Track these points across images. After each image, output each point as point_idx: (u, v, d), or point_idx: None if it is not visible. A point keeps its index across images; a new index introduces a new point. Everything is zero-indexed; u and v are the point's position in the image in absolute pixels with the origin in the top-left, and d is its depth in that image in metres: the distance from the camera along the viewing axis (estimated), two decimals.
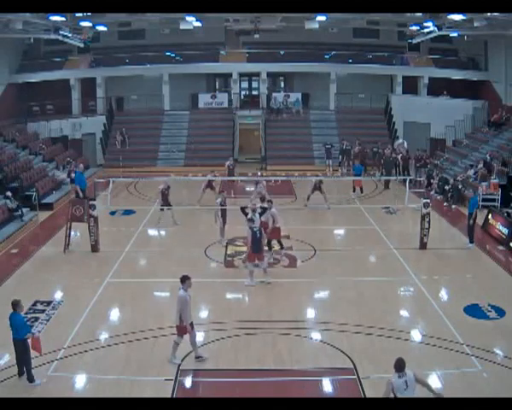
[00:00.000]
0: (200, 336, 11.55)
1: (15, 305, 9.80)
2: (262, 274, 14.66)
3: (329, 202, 21.54)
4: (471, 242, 17.31)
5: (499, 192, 21.21)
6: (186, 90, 34.79)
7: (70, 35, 27.50)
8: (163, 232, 19.74)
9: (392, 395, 8.08)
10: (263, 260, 14.41)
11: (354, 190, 23.94)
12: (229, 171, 24.56)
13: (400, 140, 29.76)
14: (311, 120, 33.97)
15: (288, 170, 28.20)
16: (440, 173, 25.38)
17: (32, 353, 9.83)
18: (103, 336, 11.63)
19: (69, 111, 33.54)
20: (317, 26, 27.75)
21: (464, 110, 30.90)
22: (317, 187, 21.35)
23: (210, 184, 21.37)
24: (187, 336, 10.47)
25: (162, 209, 19.42)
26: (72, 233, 17.44)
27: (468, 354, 10.74)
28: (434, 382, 9.78)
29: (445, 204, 22.61)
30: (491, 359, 10.51)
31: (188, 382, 9.91)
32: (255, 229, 14.01)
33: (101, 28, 29.38)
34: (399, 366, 8.30)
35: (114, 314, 12.88)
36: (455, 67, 33.77)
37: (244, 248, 17.11)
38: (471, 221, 17.25)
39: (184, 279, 10.51)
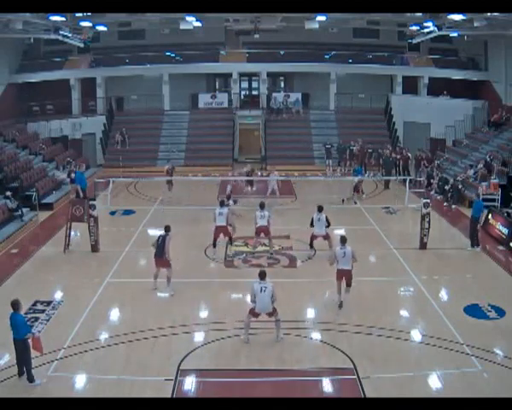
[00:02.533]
0: (200, 336, 11.60)
1: (15, 305, 9.81)
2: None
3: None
4: (477, 245, 16.98)
5: (499, 192, 21.20)
6: (186, 90, 34.79)
7: (70, 35, 27.51)
8: (163, 232, 19.73)
9: (335, 261, 12.74)
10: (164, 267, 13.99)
11: (355, 191, 23.91)
12: (167, 174, 23.79)
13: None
14: (311, 120, 33.97)
15: (288, 170, 28.19)
16: (440, 173, 25.38)
17: (33, 353, 9.83)
18: (103, 336, 11.63)
19: (69, 111, 33.55)
20: (317, 26, 27.74)
21: (464, 110, 30.90)
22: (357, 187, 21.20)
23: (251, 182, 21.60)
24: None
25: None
26: (72, 233, 17.43)
27: (468, 354, 10.74)
28: (434, 382, 9.82)
29: (445, 204, 22.61)
30: (491, 359, 10.51)
31: (188, 382, 9.90)
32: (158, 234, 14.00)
33: (101, 28, 29.37)
34: (343, 240, 12.84)
35: (114, 314, 12.87)
36: (455, 67, 33.79)
37: (243, 248, 17.20)
38: (478, 226, 16.94)
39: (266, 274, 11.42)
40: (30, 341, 9.77)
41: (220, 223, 16.06)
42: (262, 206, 16.60)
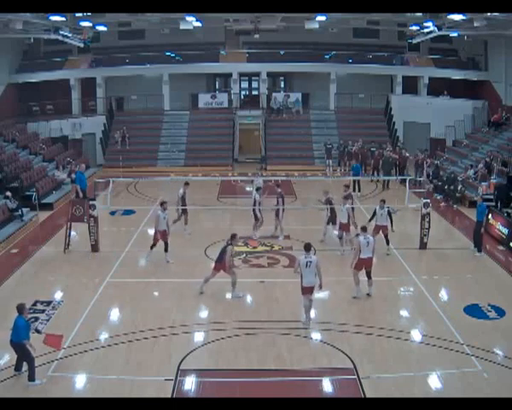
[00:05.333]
0: (200, 336, 11.60)
1: (20, 309, 9.81)
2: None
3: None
4: (479, 250, 16.67)
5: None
6: (186, 90, 34.83)
7: (70, 35, 27.51)
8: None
9: (359, 251, 13.20)
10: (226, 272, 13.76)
11: (354, 190, 23.90)
12: (182, 201, 18.68)
13: None
14: (311, 120, 33.99)
15: (288, 170, 28.19)
16: (438, 173, 25.34)
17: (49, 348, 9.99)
18: (103, 336, 11.62)
19: (69, 111, 33.57)
20: (317, 26, 27.76)
21: (464, 110, 30.93)
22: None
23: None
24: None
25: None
26: (73, 233, 17.44)
27: (468, 354, 10.74)
28: (434, 382, 9.82)
29: (442, 204, 22.55)
30: (491, 359, 10.51)
31: (188, 382, 9.90)
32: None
33: (101, 28, 29.39)
34: (364, 228, 13.55)
35: (114, 314, 12.86)
36: (455, 67, 33.82)
37: (243, 249, 17.19)
38: (482, 230, 16.60)
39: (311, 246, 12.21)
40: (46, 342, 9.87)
41: (162, 227, 15.61)
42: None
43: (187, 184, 19.06)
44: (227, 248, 13.45)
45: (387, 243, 16.61)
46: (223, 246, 13.66)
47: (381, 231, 16.51)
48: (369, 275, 13.41)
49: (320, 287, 11.90)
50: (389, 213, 16.48)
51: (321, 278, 11.88)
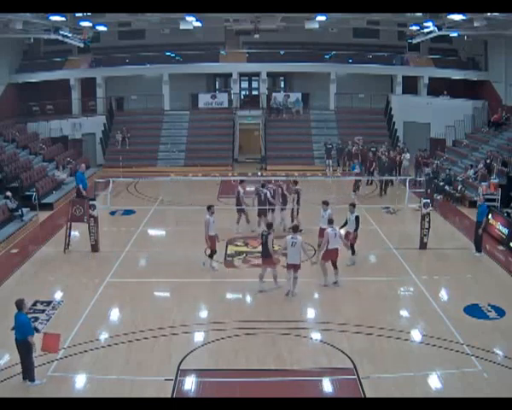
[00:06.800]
0: (200, 336, 11.60)
1: (19, 304, 9.77)
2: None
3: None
4: (479, 251, 16.60)
5: (499, 192, 21.17)
6: (186, 90, 34.83)
7: (70, 35, 27.49)
8: (163, 232, 19.76)
9: (326, 243, 13.70)
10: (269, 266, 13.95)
11: (354, 191, 23.90)
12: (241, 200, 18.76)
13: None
14: (311, 120, 33.99)
15: (288, 170, 28.18)
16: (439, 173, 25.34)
17: (43, 352, 9.87)
18: (103, 336, 11.63)
19: (69, 111, 33.56)
20: (317, 26, 27.76)
21: (464, 110, 30.93)
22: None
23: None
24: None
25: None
26: (72, 233, 17.44)
27: (468, 354, 10.74)
28: (434, 382, 9.82)
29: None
30: (491, 359, 10.51)
31: (188, 382, 9.90)
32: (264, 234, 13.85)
33: (101, 28, 29.38)
34: (331, 221, 14.00)
35: (114, 314, 12.87)
36: (455, 67, 33.82)
37: (243, 249, 17.17)
38: (480, 230, 16.51)
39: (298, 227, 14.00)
40: (43, 340, 9.80)
41: (212, 232, 15.24)
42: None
43: (242, 182, 19.17)
44: (268, 238, 13.62)
45: (352, 252, 15.50)
46: (263, 240, 13.65)
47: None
48: (334, 265, 13.99)
49: (311, 262, 14.00)
50: (357, 219, 15.41)
51: (307, 254, 13.63)
